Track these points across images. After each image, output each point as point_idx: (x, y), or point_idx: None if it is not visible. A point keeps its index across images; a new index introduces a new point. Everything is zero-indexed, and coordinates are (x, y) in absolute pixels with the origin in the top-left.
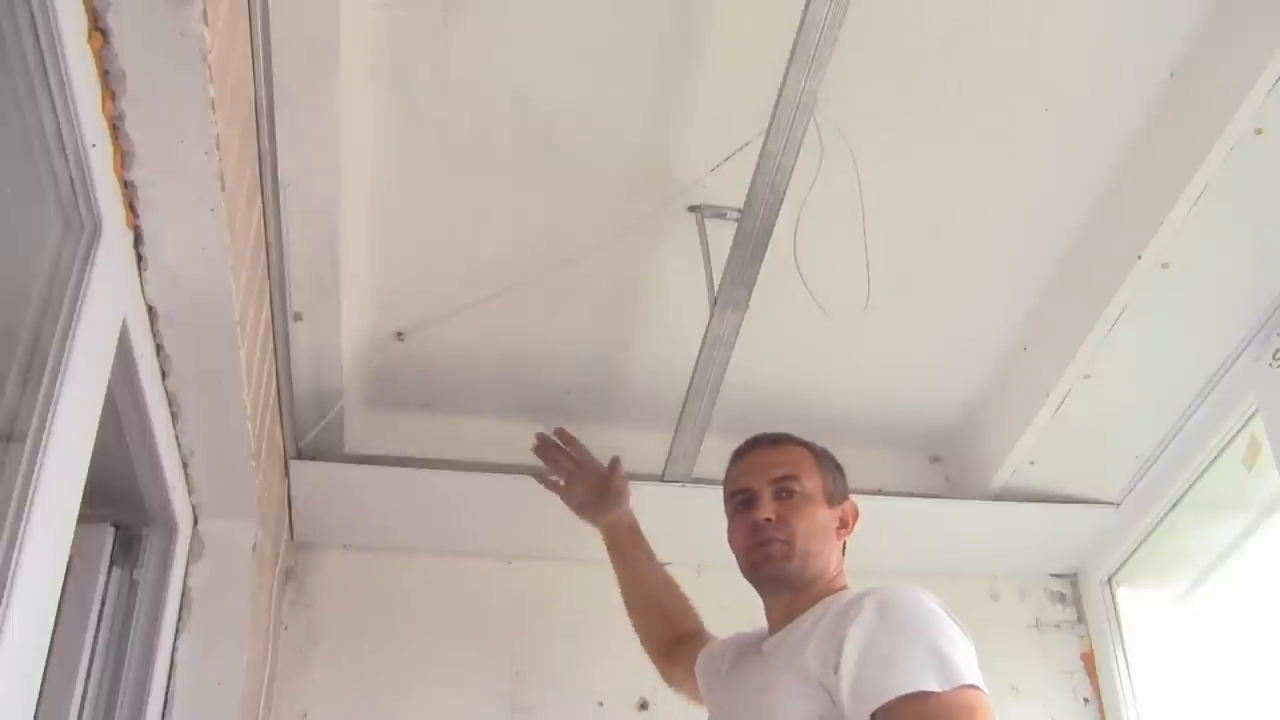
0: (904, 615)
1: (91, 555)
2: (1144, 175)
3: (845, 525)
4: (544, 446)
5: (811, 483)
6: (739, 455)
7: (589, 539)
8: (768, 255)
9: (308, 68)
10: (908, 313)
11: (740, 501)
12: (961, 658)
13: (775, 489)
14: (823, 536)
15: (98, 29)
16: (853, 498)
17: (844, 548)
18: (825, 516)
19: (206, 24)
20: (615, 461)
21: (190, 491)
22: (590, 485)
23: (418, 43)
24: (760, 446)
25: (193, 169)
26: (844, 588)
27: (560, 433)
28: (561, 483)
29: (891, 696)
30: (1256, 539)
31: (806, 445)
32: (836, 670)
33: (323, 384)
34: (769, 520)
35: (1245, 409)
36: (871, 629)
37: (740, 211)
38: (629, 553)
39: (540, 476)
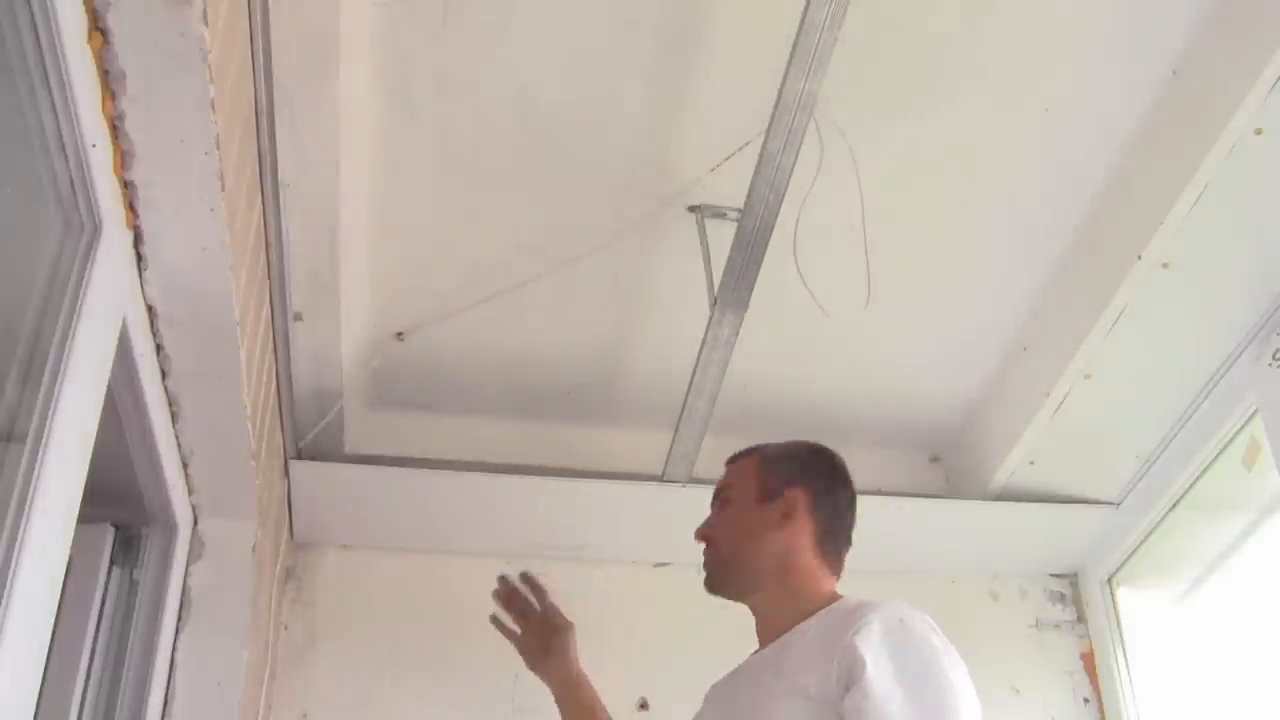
0: (910, 639)
1: (91, 555)
2: (1144, 175)
3: (790, 515)
4: (505, 591)
5: (743, 487)
6: None
7: (588, 539)
8: (768, 255)
9: (308, 68)
10: (908, 312)
11: None
12: (962, 698)
13: (715, 505)
14: (748, 534)
15: (98, 29)
16: (812, 486)
17: (816, 541)
18: (754, 514)
19: (206, 24)
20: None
21: (190, 491)
22: (542, 634)
23: (418, 42)
24: (727, 465)
25: (193, 169)
26: (836, 596)
27: (525, 576)
28: (518, 630)
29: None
30: (1256, 539)
31: (761, 451)
32: (838, 678)
33: (323, 384)
34: (702, 536)
35: (1245, 409)
36: (877, 646)
37: (740, 211)
38: (586, 701)
39: (496, 621)
